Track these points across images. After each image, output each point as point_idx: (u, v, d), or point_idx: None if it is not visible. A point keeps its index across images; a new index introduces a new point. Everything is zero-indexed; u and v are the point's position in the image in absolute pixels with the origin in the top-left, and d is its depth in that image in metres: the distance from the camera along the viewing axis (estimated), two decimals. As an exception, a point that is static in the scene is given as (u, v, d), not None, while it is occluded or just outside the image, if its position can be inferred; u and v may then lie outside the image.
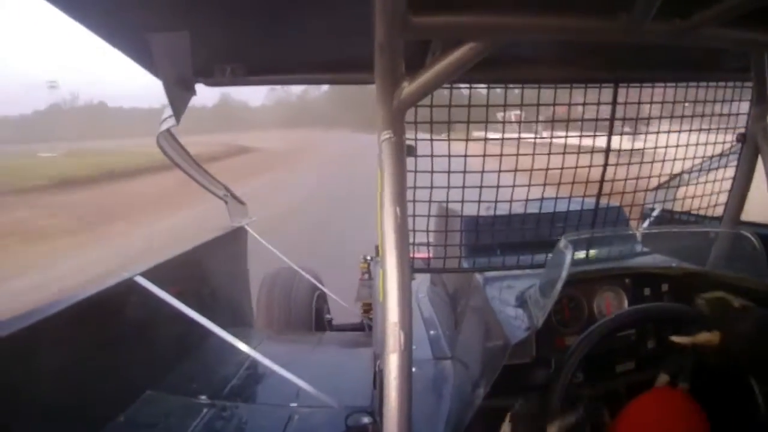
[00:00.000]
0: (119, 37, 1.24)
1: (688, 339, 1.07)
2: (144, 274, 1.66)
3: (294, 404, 1.65)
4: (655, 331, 1.25)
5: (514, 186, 1.38)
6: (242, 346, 1.70)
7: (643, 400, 1.08)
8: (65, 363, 1.41)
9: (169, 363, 1.86)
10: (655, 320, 1.21)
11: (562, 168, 1.40)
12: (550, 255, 1.26)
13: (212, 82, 1.49)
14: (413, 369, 0.82)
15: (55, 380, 1.36)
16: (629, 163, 1.44)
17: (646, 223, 1.67)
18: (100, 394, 1.51)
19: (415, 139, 1.27)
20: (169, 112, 1.63)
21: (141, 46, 1.16)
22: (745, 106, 1.52)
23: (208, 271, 2.28)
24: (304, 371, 1.67)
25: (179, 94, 1.47)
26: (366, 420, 1.30)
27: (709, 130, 1.54)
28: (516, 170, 1.36)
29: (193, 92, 1.50)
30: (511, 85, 1.38)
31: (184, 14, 1.09)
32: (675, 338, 1.09)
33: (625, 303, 1.32)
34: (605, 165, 1.43)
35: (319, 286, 2.99)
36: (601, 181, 1.45)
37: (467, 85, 1.41)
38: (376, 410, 1.29)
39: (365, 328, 2.84)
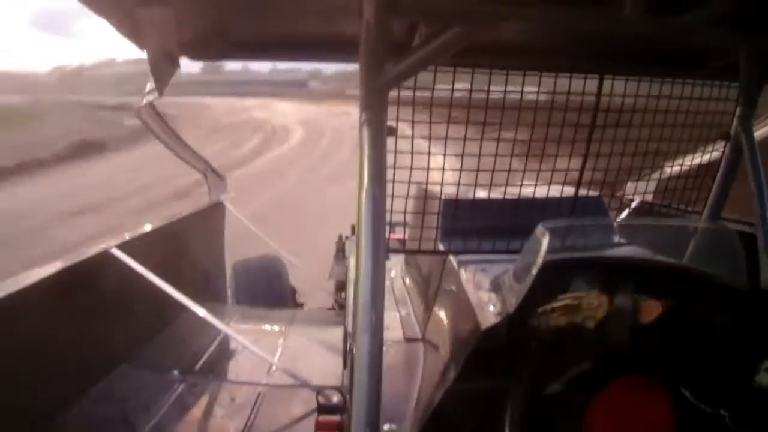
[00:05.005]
0: (106, 9, 1.23)
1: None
2: (120, 247, 1.65)
3: (265, 381, 1.65)
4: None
5: (493, 171, 1.37)
6: (216, 322, 1.70)
7: (614, 389, 1.08)
8: (39, 335, 1.40)
9: (144, 337, 1.86)
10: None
11: (542, 155, 1.40)
12: (526, 241, 1.26)
13: (197, 56, 1.48)
14: (384, 349, 0.82)
15: (29, 353, 1.36)
16: (611, 154, 1.44)
17: (625, 214, 1.68)
18: (74, 368, 1.50)
19: (397, 120, 1.27)
20: (151, 84, 1.62)
21: (127, 18, 1.15)
22: (730, 105, 1.53)
23: (185, 246, 2.28)
24: (276, 348, 1.67)
25: (163, 67, 1.46)
26: (336, 398, 1.29)
27: (693, 126, 1.54)
28: (496, 155, 1.35)
29: (177, 66, 1.49)
30: (495, 71, 1.38)
31: None
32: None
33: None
34: (586, 155, 1.43)
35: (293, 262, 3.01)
36: (582, 170, 1.45)
37: (451, 68, 1.40)
38: (346, 389, 1.29)
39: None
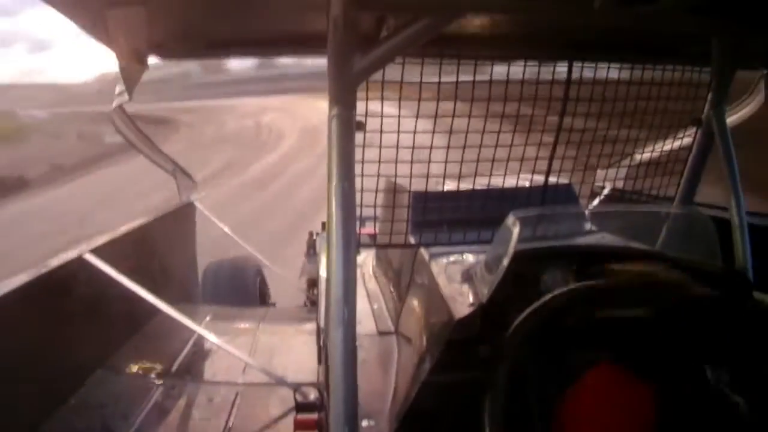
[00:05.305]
0: (75, 10, 1.22)
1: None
2: (93, 252, 1.64)
3: (241, 380, 1.65)
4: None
5: (462, 161, 1.37)
6: (189, 323, 1.69)
7: (590, 379, 1.08)
8: (14, 346, 1.38)
9: (119, 341, 1.85)
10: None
11: (511, 145, 1.40)
12: (497, 232, 1.25)
13: (167, 55, 1.47)
14: (357, 343, 0.82)
15: (4, 364, 1.34)
16: (580, 141, 1.45)
17: (596, 202, 1.68)
18: (51, 377, 1.48)
19: (366, 114, 1.26)
20: (121, 87, 1.60)
21: (96, 19, 1.13)
22: (701, 91, 1.54)
23: (156, 247, 2.28)
24: (251, 347, 1.67)
25: (132, 68, 1.44)
26: (313, 395, 1.30)
27: (664, 112, 1.55)
28: (465, 146, 1.35)
29: (146, 67, 1.48)
30: (463, 61, 1.37)
31: None
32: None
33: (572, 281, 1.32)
34: (555, 143, 1.43)
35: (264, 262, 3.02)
36: (551, 158, 1.45)
37: (419, 60, 1.40)
38: (322, 385, 1.29)
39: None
